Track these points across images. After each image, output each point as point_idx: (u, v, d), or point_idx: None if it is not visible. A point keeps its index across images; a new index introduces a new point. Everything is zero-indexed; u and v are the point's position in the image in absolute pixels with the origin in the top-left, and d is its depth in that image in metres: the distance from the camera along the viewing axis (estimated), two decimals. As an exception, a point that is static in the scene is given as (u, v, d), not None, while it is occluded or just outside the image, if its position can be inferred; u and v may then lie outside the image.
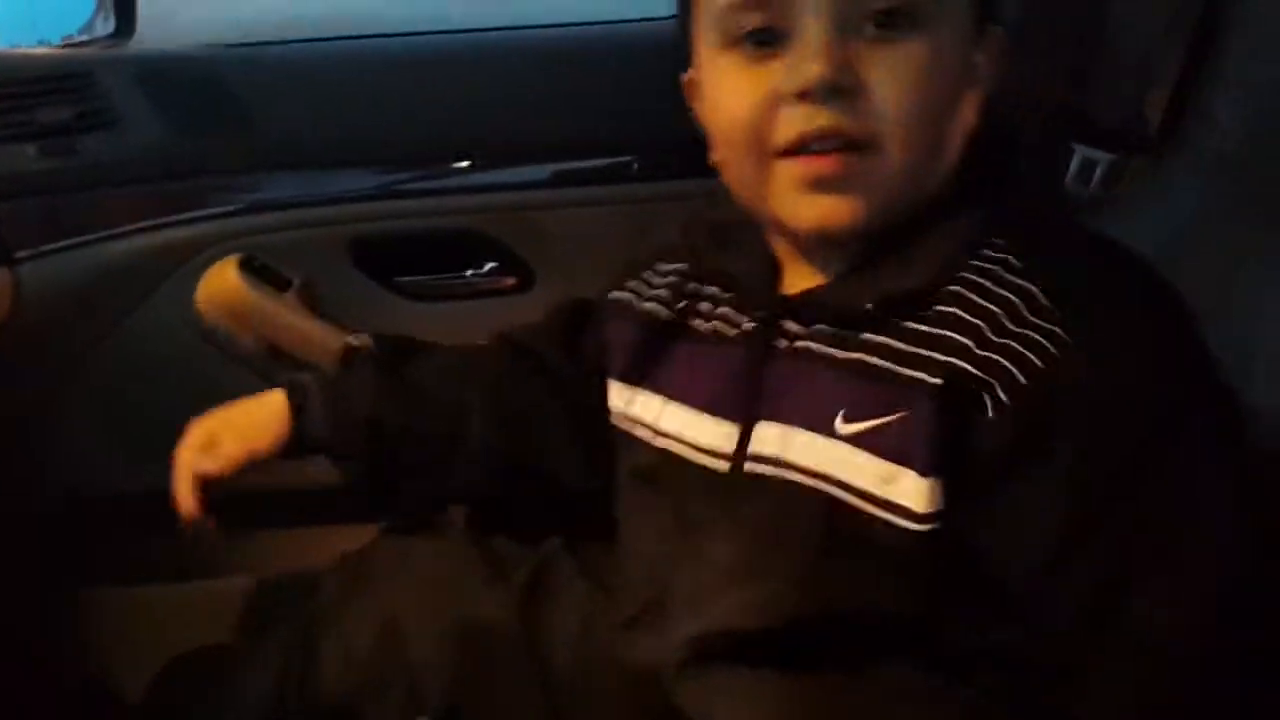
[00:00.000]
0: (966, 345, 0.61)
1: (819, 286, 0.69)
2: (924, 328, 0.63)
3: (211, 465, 0.83)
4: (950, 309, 0.62)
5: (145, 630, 1.16)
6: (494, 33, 1.23)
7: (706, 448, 0.71)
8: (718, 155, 0.69)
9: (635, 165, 1.15)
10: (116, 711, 1.12)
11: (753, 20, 0.64)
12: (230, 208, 1.10)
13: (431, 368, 0.88)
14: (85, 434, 1.14)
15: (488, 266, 1.17)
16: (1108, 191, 1.03)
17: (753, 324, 0.71)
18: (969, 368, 0.60)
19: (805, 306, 0.69)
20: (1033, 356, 0.59)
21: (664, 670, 0.72)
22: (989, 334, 0.60)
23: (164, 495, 1.15)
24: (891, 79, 0.63)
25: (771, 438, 0.67)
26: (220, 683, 0.90)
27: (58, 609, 1.20)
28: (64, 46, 1.22)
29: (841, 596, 0.65)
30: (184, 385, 1.12)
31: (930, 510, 0.60)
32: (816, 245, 0.68)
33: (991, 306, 0.61)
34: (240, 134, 1.11)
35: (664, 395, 0.76)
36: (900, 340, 0.63)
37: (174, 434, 1.13)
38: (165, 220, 1.09)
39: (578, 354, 0.88)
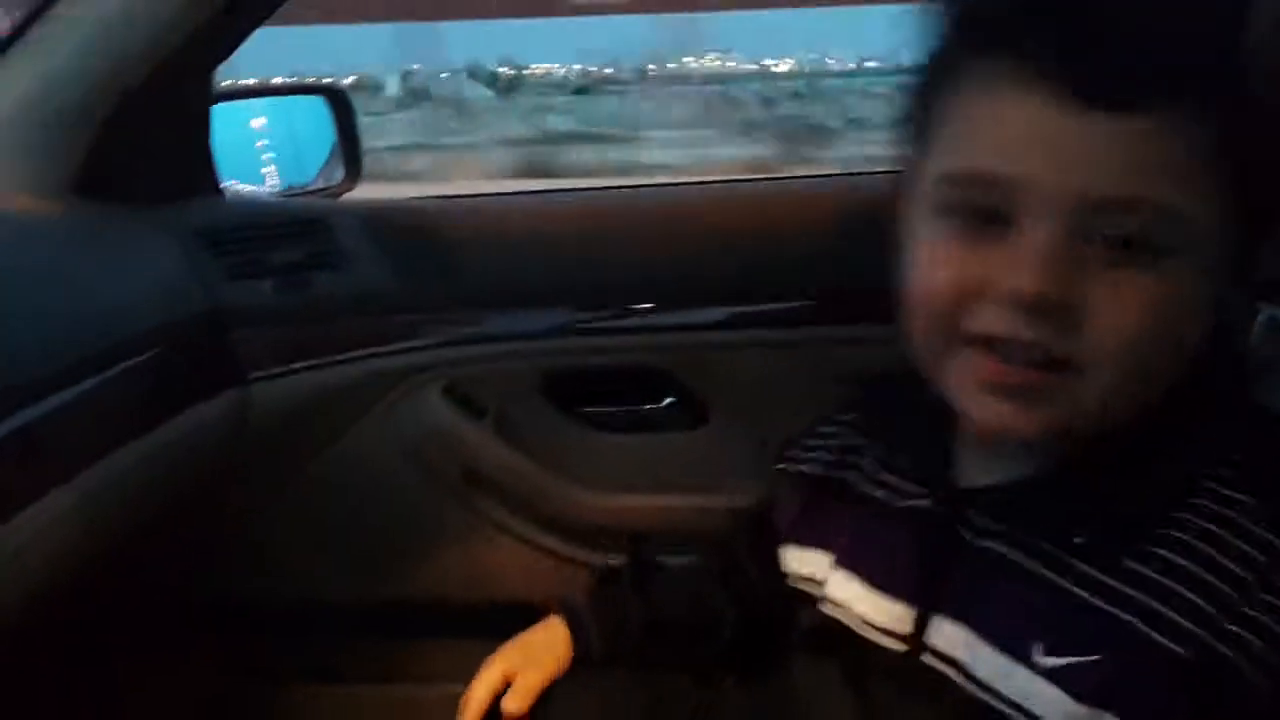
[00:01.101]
0: (1201, 609, 0.55)
1: (1012, 485, 0.63)
2: (1148, 572, 0.57)
3: (516, 705, 0.85)
4: (1181, 560, 0.57)
5: None
6: (678, 186, 1.31)
7: (881, 625, 0.68)
8: (907, 318, 0.63)
9: (808, 309, 1.17)
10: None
11: (978, 198, 0.58)
12: (435, 341, 1.17)
13: (676, 584, 0.92)
14: (298, 541, 1.22)
15: (665, 401, 1.21)
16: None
17: (930, 503, 0.67)
18: (1208, 637, 0.55)
19: (996, 505, 0.63)
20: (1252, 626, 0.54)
21: None
22: (1232, 599, 0.55)
23: (359, 604, 1.23)
24: (1115, 309, 0.56)
25: (955, 639, 0.63)
26: None
27: (257, 703, 1.27)
28: (302, 195, 1.36)
29: None
30: (388, 502, 1.20)
31: None
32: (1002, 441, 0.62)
33: (1231, 566, 0.55)
34: (446, 275, 1.18)
35: (831, 557, 0.73)
36: (1117, 579, 0.58)
37: (378, 548, 1.21)
38: (379, 350, 1.16)
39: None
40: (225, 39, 1.12)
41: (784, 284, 1.18)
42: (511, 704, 0.85)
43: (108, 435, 0.90)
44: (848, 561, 0.71)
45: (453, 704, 0.94)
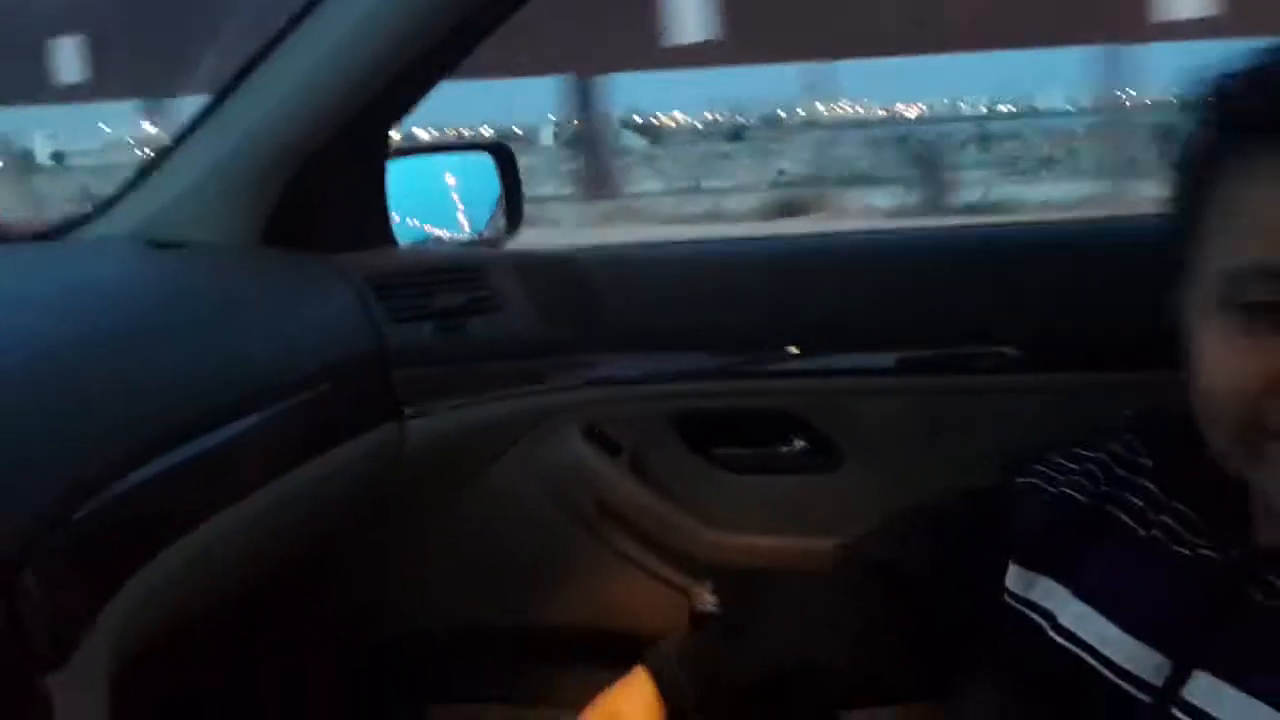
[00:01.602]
0: None
1: None
2: None
3: None
4: None
5: None
6: (816, 236, 1.34)
7: (1128, 671, 0.66)
8: (1203, 415, 0.63)
9: (941, 358, 1.19)
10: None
11: (1272, 292, 0.58)
12: (577, 382, 1.24)
13: (779, 618, 0.89)
14: (442, 567, 1.30)
15: (799, 444, 1.24)
16: None
17: (1219, 556, 0.66)
18: None
19: None
20: None
21: None
22: None
23: (498, 627, 1.31)
24: None
25: (1218, 698, 0.61)
26: None
27: None
28: (468, 245, 1.46)
29: None
30: (526, 533, 1.27)
31: None
32: None
33: None
34: (589, 320, 1.25)
35: (1077, 591, 0.71)
36: None
37: (517, 577, 1.28)
38: (525, 390, 1.24)
39: (943, 562, 0.86)
40: (403, 101, 1.24)
41: (920, 334, 1.20)
42: None
43: (282, 458, 1.00)
44: (1100, 599, 0.69)
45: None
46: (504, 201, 1.48)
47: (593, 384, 1.25)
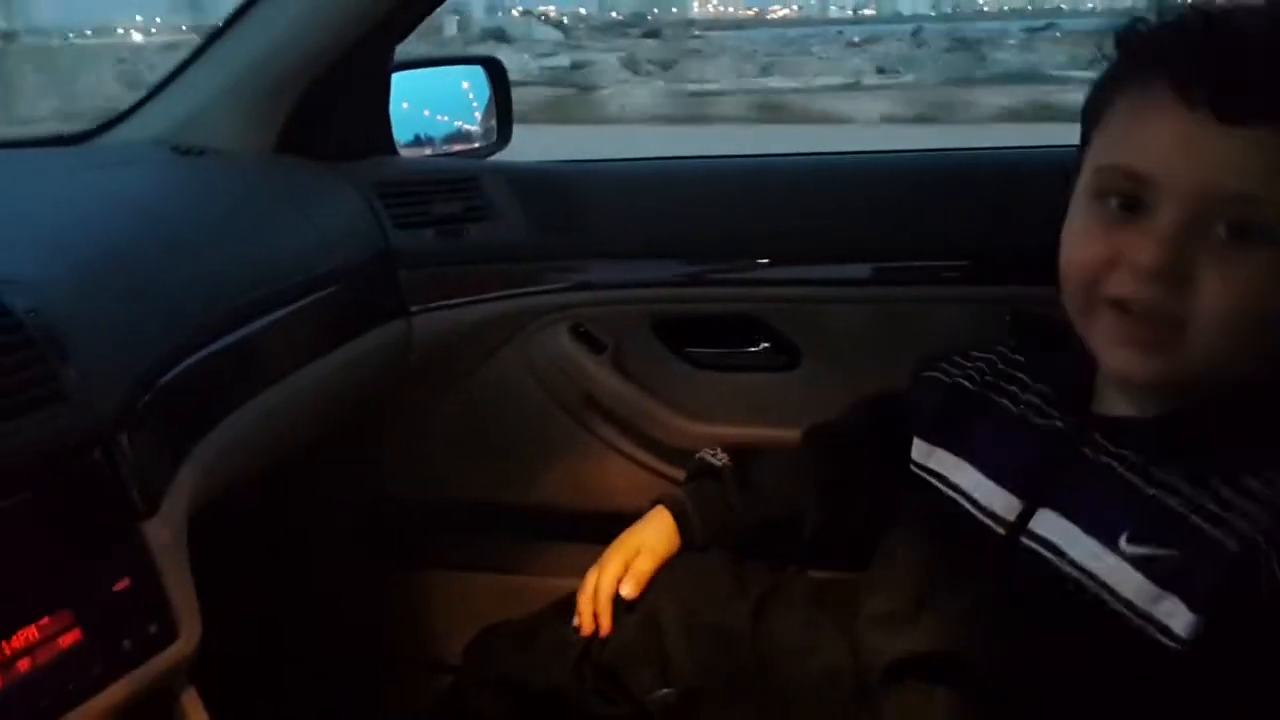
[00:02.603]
0: (1256, 518, 0.68)
1: (1138, 419, 0.77)
2: (1228, 492, 0.70)
3: (631, 590, 1.03)
4: (1255, 484, 0.70)
5: (462, 607, 1.44)
6: (784, 157, 1.45)
7: (989, 510, 0.83)
8: (1061, 280, 0.78)
9: (891, 271, 1.31)
10: (435, 670, 1.38)
11: (1121, 185, 0.73)
12: (566, 285, 1.35)
13: (771, 475, 1.09)
14: (442, 449, 1.43)
15: (762, 345, 1.36)
16: None
17: (1064, 424, 0.82)
18: (1259, 539, 0.67)
19: (1122, 433, 0.77)
20: None
21: (872, 677, 0.88)
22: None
23: (490, 504, 1.44)
24: (1220, 285, 0.69)
25: (1054, 526, 0.77)
26: (525, 649, 1.12)
27: (397, 584, 1.50)
28: (461, 153, 1.57)
29: (1073, 674, 0.73)
30: (518, 420, 1.40)
31: (1189, 637, 0.69)
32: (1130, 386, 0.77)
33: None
34: (577, 230, 1.36)
35: (961, 456, 0.88)
36: (1202, 495, 0.71)
37: (509, 460, 1.42)
38: (518, 291, 1.35)
39: (881, 435, 1.04)
40: (407, 19, 1.32)
41: (873, 248, 1.32)
42: (628, 589, 1.05)
43: (303, 351, 1.12)
44: (974, 458, 0.87)
45: (556, 592, 1.13)
46: (494, 112, 1.58)
47: (579, 288, 1.36)
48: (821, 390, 1.34)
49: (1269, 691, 0.68)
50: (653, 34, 16.68)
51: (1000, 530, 0.82)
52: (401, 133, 1.45)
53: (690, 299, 1.36)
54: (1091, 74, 0.82)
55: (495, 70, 1.56)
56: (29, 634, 0.68)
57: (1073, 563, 0.76)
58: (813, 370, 1.35)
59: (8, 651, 0.66)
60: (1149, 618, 0.71)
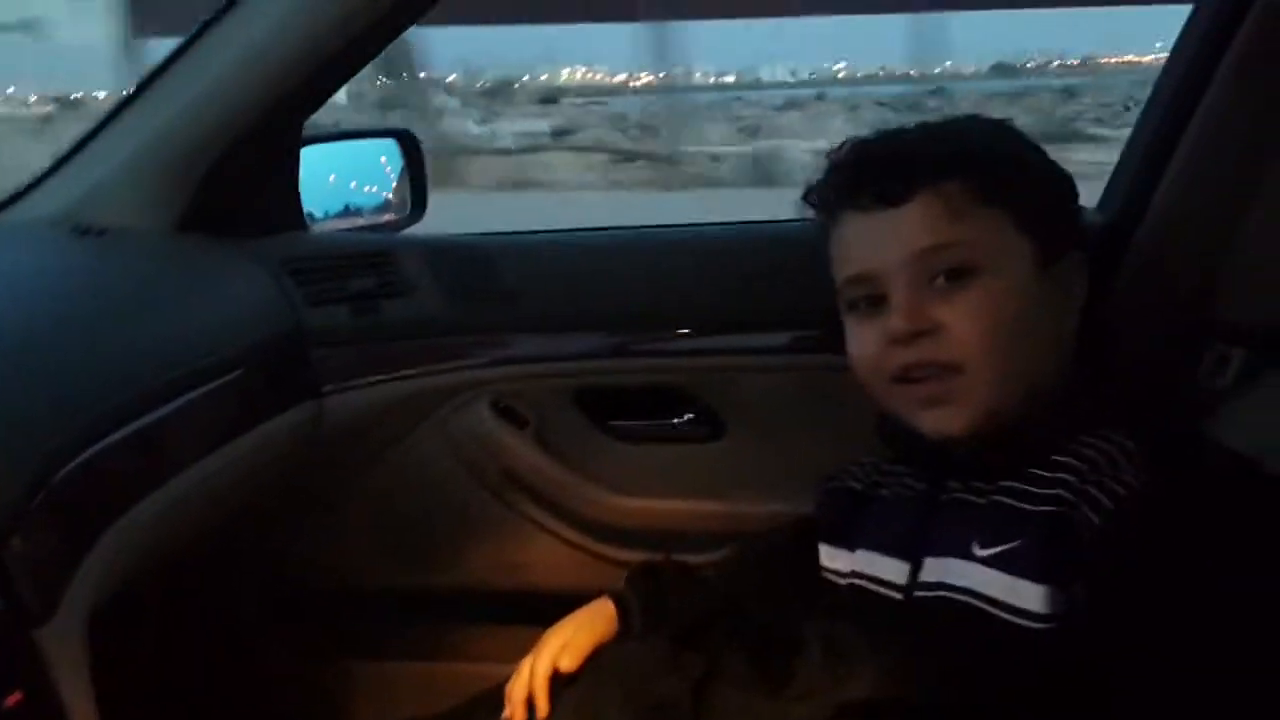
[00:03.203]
0: (1068, 482, 0.81)
1: (963, 454, 0.90)
2: (1045, 473, 0.83)
3: (570, 663, 1.02)
4: (1065, 456, 0.83)
5: (384, 699, 1.39)
6: (705, 226, 1.46)
7: (883, 580, 0.92)
8: (863, 384, 0.93)
9: (811, 339, 1.32)
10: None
11: (861, 291, 0.91)
12: (485, 360, 1.33)
13: (708, 584, 1.10)
14: (359, 532, 1.39)
15: (686, 416, 1.36)
16: (1237, 388, 1.09)
17: (925, 485, 0.94)
18: (1068, 497, 0.80)
19: (956, 469, 0.90)
20: (1112, 495, 0.79)
21: None
22: (1086, 477, 0.81)
23: (411, 588, 1.40)
24: (960, 318, 0.85)
25: (934, 569, 0.88)
26: None
27: (312, 676, 1.43)
28: (372, 229, 1.53)
29: (970, 684, 0.82)
30: (438, 500, 1.36)
31: (1047, 611, 0.78)
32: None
33: (1085, 464, 0.82)
34: (495, 303, 1.34)
35: (855, 547, 0.97)
36: (1026, 487, 0.83)
37: (430, 541, 1.38)
38: (436, 368, 1.32)
39: (798, 559, 1.07)
40: (318, 94, 1.30)
41: (792, 315, 1.32)
42: (564, 662, 1.03)
43: (208, 437, 1.07)
44: (866, 542, 0.96)
45: (484, 680, 1.09)
46: (409, 186, 1.56)
47: (499, 362, 1.34)
48: (746, 460, 1.34)
49: (1142, 632, 0.76)
50: (549, 100, 16.79)
51: (897, 595, 0.91)
52: (313, 207, 1.42)
53: (613, 370, 1.35)
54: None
55: (408, 142, 1.55)
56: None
57: (948, 586, 0.85)
58: (737, 440, 1.34)
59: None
60: (1012, 608, 0.80)
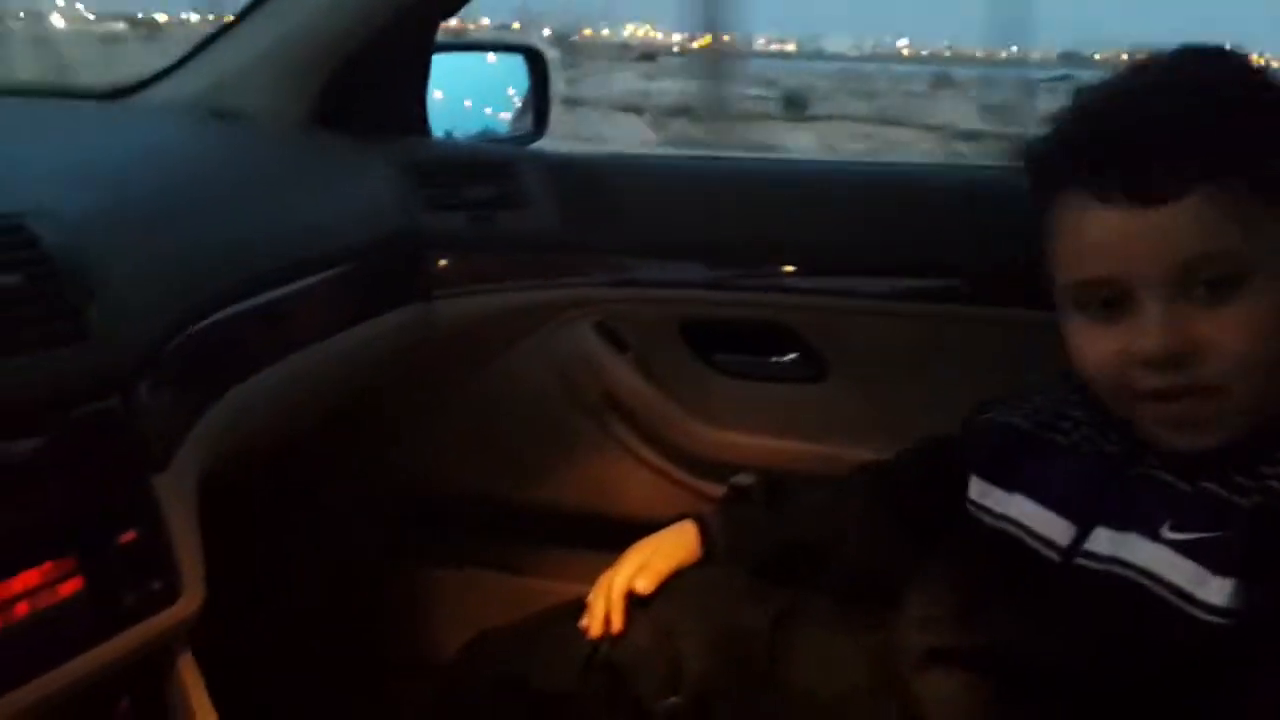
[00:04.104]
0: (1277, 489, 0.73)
1: (1192, 452, 0.78)
2: (1267, 470, 0.74)
3: (646, 585, 1.01)
4: (1274, 468, 0.74)
5: (462, 607, 1.40)
6: (827, 163, 1.43)
7: (1043, 536, 0.85)
8: (1087, 380, 0.81)
9: (928, 288, 1.29)
10: (438, 668, 1.36)
11: (1101, 294, 0.77)
12: (594, 280, 1.33)
13: (806, 501, 1.07)
14: (454, 441, 1.40)
15: (790, 355, 1.34)
16: None
17: (1117, 448, 0.84)
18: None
19: (1172, 460, 0.79)
20: None
21: (905, 666, 0.88)
22: None
23: (499, 501, 1.41)
24: (1225, 339, 0.73)
25: (1106, 541, 0.80)
26: (527, 649, 1.08)
27: (399, 578, 1.46)
28: (498, 140, 1.54)
29: (1114, 663, 0.77)
30: (535, 416, 1.37)
31: (1229, 607, 0.71)
32: None
33: None
34: (609, 224, 1.34)
35: (1015, 490, 0.89)
36: (1238, 477, 0.75)
37: (524, 457, 1.38)
38: (545, 282, 1.32)
39: (929, 478, 1.03)
40: (451, 2, 1.31)
41: (906, 262, 1.30)
42: (640, 584, 1.02)
43: (320, 324, 1.09)
44: (1028, 490, 0.88)
45: (564, 597, 1.09)
46: (532, 103, 1.56)
47: (608, 284, 1.33)
48: (848, 405, 1.32)
49: None
50: (648, 56, 16.48)
51: (1055, 556, 0.84)
52: (437, 116, 1.43)
53: (720, 303, 1.34)
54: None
55: (535, 59, 1.55)
56: (30, 578, 0.64)
57: (1122, 562, 0.78)
58: (840, 383, 1.32)
59: (6, 594, 0.63)
60: (1192, 598, 0.73)
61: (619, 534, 1.11)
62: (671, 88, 12.83)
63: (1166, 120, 0.74)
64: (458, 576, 1.45)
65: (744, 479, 1.10)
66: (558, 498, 1.39)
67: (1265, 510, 0.73)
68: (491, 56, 1.55)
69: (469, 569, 1.43)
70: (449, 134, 1.50)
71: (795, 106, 11.96)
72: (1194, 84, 0.77)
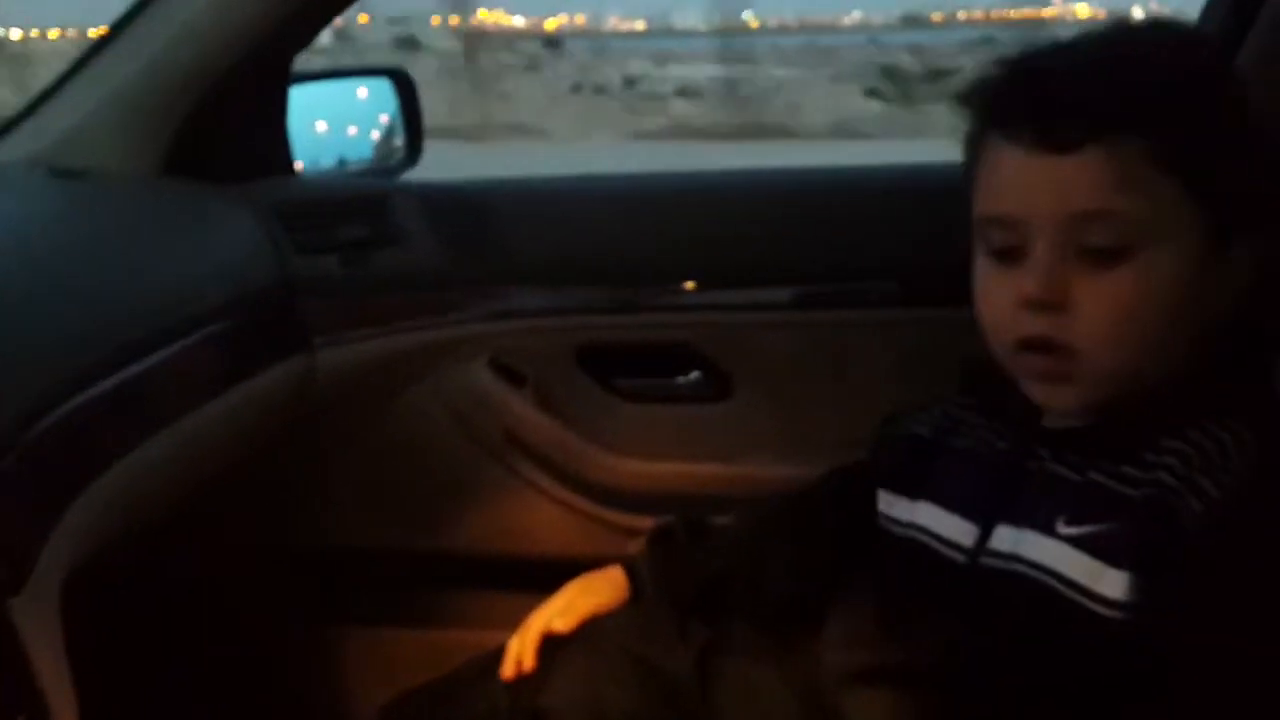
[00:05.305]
0: (1173, 468, 0.74)
1: (1076, 429, 0.81)
2: (1150, 457, 0.75)
3: (565, 624, 0.99)
4: (1175, 442, 0.75)
5: (379, 666, 1.34)
6: (711, 174, 1.40)
7: (948, 540, 0.86)
8: (980, 327, 0.82)
9: (823, 294, 1.26)
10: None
11: (999, 235, 0.79)
12: (482, 314, 1.27)
13: (725, 540, 1.04)
14: (352, 493, 1.33)
15: (692, 374, 1.30)
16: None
17: (1009, 446, 0.85)
18: (1172, 483, 0.73)
19: (1062, 443, 0.81)
20: (1220, 485, 0.72)
21: (829, 687, 0.87)
22: (1194, 464, 0.73)
23: (406, 552, 1.35)
24: (1096, 302, 0.75)
25: (1006, 538, 0.81)
26: (447, 709, 1.03)
27: (305, 642, 1.39)
28: (365, 172, 1.47)
29: (1031, 667, 0.77)
30: (435, 460, 1.31)
31: (1128, 600, 0.72)
32: None
33: (1192, 450, 0.74)
34: (493, 252, 1.28)
35: (919, 498, 0.90)
36: (1125, 468, 0.76)
37: (426, 502, 1.32)
38: (431, 321, 1.26)
39: (844, 506, 1.02)
40: (306, 30, 1.24)
41: (803, 269, 1.27)
42: (560, 622, 0.99)
43: (192, 393, 1.01)
44: (932, 496, 0.89)
45: (484, 647, 1.04)
46: (404, 129, 1.49)
47: (497, 316, 1.28)
48: (755, 420, 1.29)
49: (1210, 643, 0.70)
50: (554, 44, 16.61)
51: (960, 557, 0.84)
52: (301, 151, 1.36)
53: (616, 326, 1.30)
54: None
55: (403, 82, 1.48)
56: None
57: (1023, 560, 0.78)
58: (746, 400, 1.29)
59: None
60: (1090, 593, 0.74)
61: (534, 573, 1.07)
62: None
63: (1082, 74, 0.77)
64: (372, 635, 1.38)
65: (666, 520, 1.07)
66: (467, 543, 1.33)
67: (1155, 501, 0.73)
68: (362, 90, 1.47)
69: (383, 627, 1.37)
70: (342, 162, 1.44)
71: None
72: (1123, 49, 0.81)
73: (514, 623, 1.02)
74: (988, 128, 0.81)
